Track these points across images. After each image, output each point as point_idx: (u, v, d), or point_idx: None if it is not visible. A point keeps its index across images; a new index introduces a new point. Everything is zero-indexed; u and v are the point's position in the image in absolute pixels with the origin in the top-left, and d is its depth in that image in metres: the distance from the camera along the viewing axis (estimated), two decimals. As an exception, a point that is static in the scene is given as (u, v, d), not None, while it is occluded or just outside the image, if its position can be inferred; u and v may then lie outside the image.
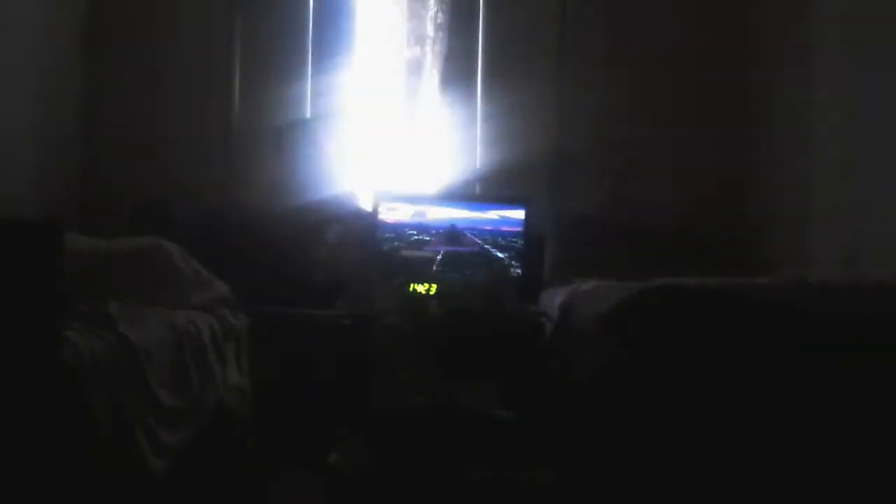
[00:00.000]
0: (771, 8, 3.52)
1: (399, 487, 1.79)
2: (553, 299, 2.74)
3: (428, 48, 3.82)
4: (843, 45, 2.93)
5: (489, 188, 3.65)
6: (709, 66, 3.62)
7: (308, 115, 3.55)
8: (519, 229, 3.27)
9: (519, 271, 3.23)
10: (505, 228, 3.26)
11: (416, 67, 3.83)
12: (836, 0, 3.02)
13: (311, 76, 3.70)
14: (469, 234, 3.26)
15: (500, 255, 3.25)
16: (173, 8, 3.58)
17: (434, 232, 3.24)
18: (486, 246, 3.27)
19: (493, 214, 3.28)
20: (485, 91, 3.76)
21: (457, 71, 3.84)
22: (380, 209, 3.23)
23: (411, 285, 2.56)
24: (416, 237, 3.25)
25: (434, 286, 2.58)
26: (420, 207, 3.29)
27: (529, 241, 3.30)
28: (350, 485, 1.81)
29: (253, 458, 2.45)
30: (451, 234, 3.26)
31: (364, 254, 3.02)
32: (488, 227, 3.26)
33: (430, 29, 3.80)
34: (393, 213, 3.27)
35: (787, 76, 3.34)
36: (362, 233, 2.96)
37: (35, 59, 3.19)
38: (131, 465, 1.50)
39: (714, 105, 3.62)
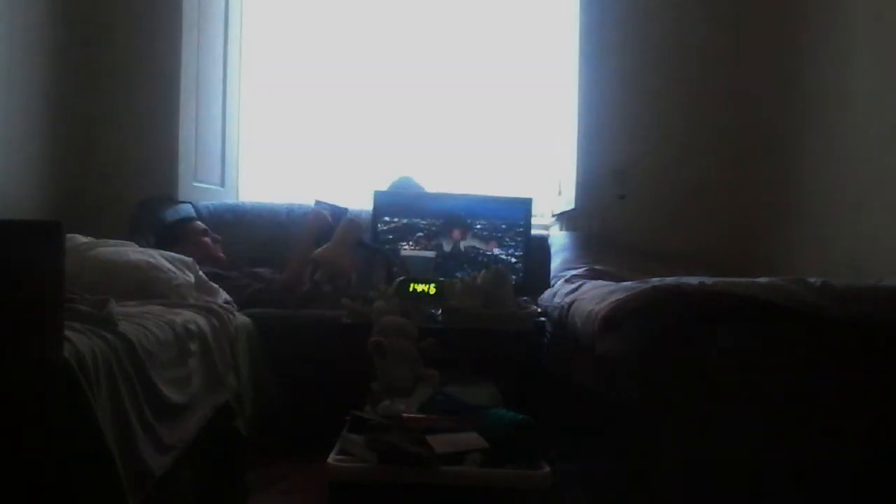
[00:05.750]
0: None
1: (399, 487, 1.79)
2: (553, 299, 2.74)
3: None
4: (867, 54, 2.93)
5: (491, 187, 3.65)
6: (713, 64, 3.64)
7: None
8: (521, 229, 3.26)
9: (520, 271, 3.23)
10: (506, 228, 3.26)
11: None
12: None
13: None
14: (468, 234, 3.26)
15: (501, 254, 3.24)
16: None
17: (434, 231, 3.24)
18: (485, 247, 3.27)
19: (495, 214, 3.27)
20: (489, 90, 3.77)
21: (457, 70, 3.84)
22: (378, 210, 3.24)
23: (411, 285, 2.56)
24: (415, 236, 3.25)
25: (434, 286, 2.58)
26: (419, 207, 3.28)
27: (531, 241, 3.30)
28: (350, 485, 1.81)
29: (253, 458, 2.46)
30: (451, 233, 3.26)
31: (363, 254, 3.02)
32: (490, 227, 3.26)
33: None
34: (391, 213, 3.27)
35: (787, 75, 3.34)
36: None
37: (35, 60, 3.20)
38: (132, 465, 1.50)
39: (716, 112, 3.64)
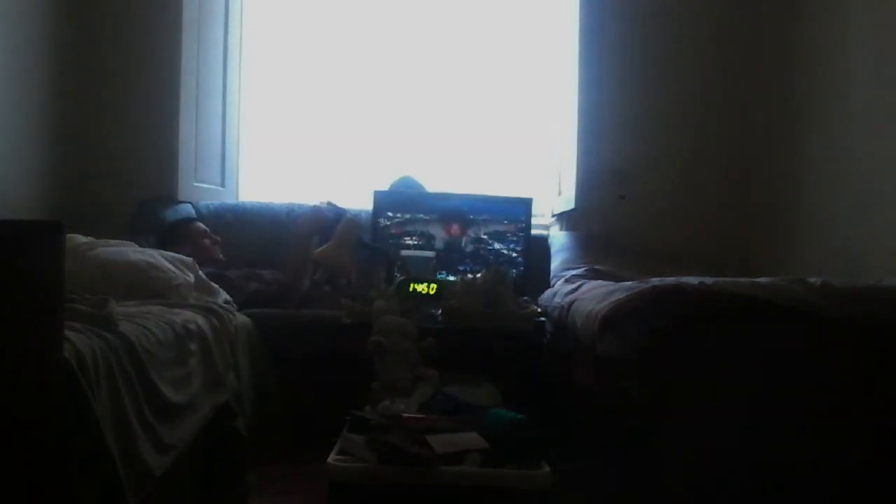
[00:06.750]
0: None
1: (399, 487, 1.79)
2: (553, 299, 2.74)
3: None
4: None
5: (492, 187, 3.65)
6: (713, 64, 3.64)
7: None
8: (521, 229, 3.26)
9: (520, 270, 3.23)
10: (507, 228, 3.26)
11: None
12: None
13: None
14: (468, 229, 3.26)
15: (502, 248, 3.24)
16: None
17: (434, 230, 3.24)
18: (487, 245, 3.27)
19: (496, 213, 3.27)
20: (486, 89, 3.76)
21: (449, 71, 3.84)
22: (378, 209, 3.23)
23: (411, 285, 2.56)
24: (416, 236, 3.25)
25: (434, 286, 2.58)
26: (419, 206, 3.28)
27: (531, 241, 3.30)
28: (350, 485, 1.81)
29: (253, 458, 2.46)
30: (450, 228, 3.25)
31: (363, 254, 3.02)
32: (490, 227, 3.26)
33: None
34: (392, 212, 3.27)
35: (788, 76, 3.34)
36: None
37: (35, 60, 3.20)
38: (132, 465, 1.50)
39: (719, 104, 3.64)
